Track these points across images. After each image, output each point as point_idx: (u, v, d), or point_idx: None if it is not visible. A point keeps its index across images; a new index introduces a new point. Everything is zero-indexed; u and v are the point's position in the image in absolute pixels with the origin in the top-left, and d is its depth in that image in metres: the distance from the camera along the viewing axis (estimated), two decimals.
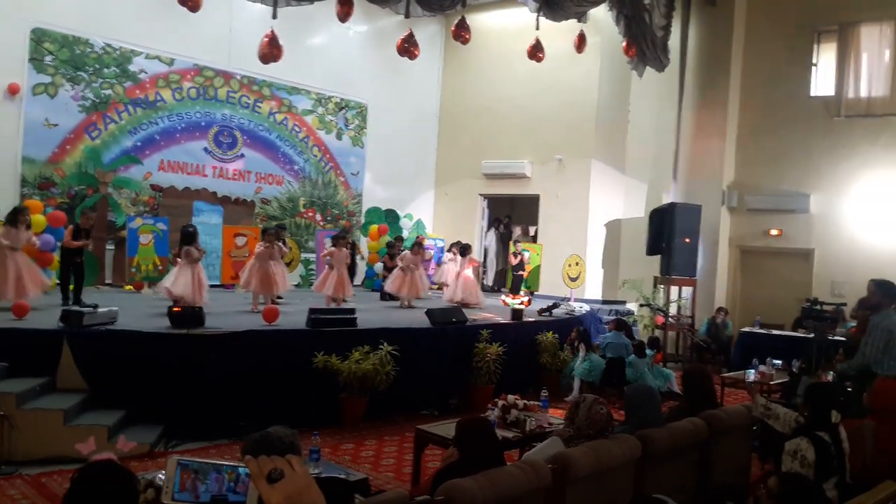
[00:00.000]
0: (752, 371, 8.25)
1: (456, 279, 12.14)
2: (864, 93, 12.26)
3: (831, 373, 7.07)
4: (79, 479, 2.40)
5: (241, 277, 9.80)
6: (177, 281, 8.67)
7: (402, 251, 11.98)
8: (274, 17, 8.49)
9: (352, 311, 8.60)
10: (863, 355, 5.83)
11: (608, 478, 3.85)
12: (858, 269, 11.38)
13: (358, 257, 13.21)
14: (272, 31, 8.73)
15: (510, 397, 5.89)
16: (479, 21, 14.43)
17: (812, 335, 8.11)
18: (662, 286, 12.79)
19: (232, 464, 1.37)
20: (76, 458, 5.69)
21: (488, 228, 16.42)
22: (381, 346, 7.75)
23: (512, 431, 5.57)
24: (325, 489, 1.36)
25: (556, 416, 6.11)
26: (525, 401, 5.95)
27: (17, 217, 8.19)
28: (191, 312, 7.43)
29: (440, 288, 13.19)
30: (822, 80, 12.91)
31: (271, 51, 8.74)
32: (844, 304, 7.89)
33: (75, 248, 8.99)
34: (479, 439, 3.62)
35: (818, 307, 7.68)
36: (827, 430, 3.86)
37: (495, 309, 11.15)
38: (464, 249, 12.40)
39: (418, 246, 11.79)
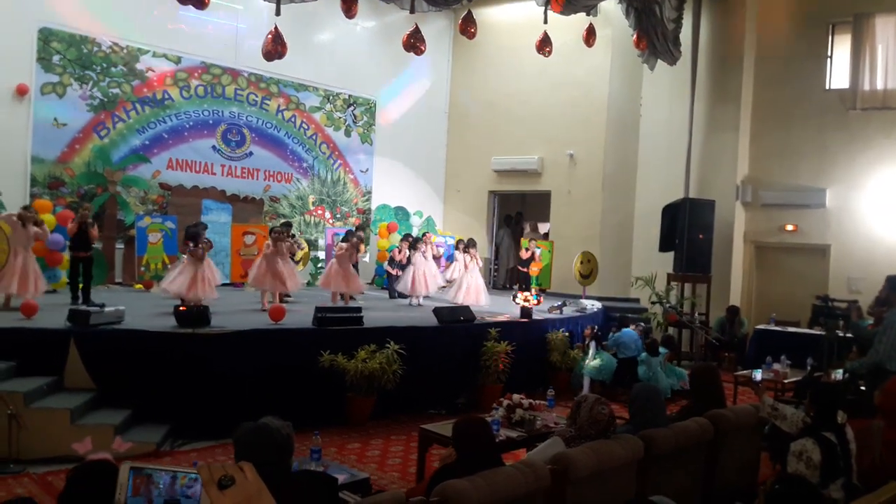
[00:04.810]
0: (759, 370, 8.11)
1: (460, 277, 11.97)
2: (879, 85, 12.03)
3: (840, 371, 6.95)
4: (73, 478, 2.44)
5: (250, 275, 9.82)
6: (175, 279, 8.68)
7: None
8: (277, 13, 8.42)
9: (358, 309, 8.59)
10: (875, 352, 5.72)
11: (609, 478, 3.80)
12: (876, 264, 11.16)
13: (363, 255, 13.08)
14: (276, 28, 8.66)
15: (515, 396, 5.86)
16: (487, 15, 14.34)
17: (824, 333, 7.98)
18: (676, 283, 12.64)
19: (186, 470, 1.38)
20: (82, 457, 5.73)
21: (500, 226, 16.34)
22: (388, 345, 7.71)
23: (517, 431, 5.53)
24: (306, 485, 1.35)
25: (562, 415, 6.04)
26: (531, 400, 5.91)
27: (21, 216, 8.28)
28: (197, 311, 7.45)
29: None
30: (837, 73, 12.68)
31: (275, 48, 8.67)
32: (856, 302, 7.73)
33: (82, 245, 9.03)
34: (476, 440, 3.59)
35: (829, 304, 7.54)
36: (833, 431, 3.77)
37: (503, 308, 11.00)
38: (466, 245, 12.08)
39: (404, 241, 11.86)
